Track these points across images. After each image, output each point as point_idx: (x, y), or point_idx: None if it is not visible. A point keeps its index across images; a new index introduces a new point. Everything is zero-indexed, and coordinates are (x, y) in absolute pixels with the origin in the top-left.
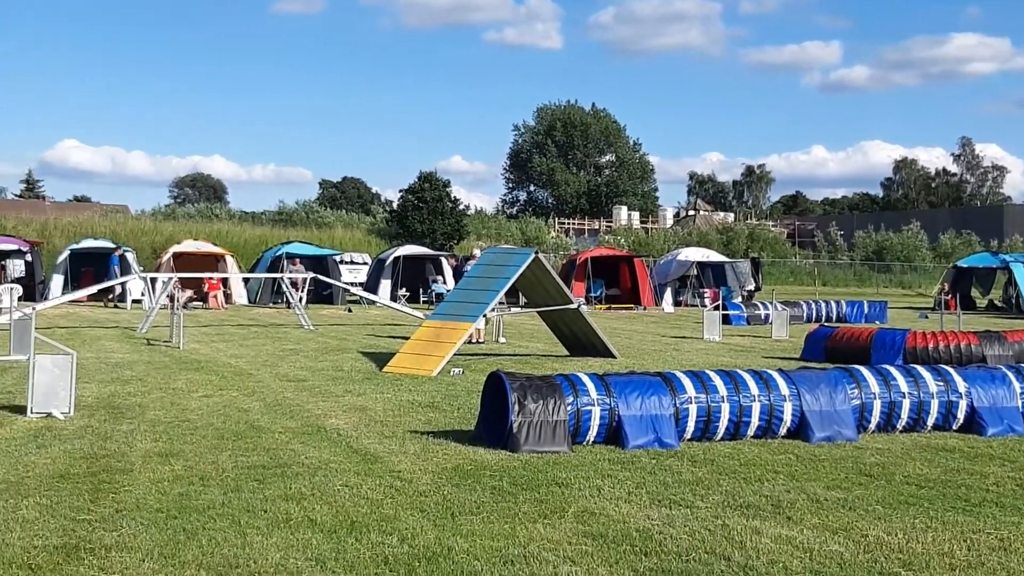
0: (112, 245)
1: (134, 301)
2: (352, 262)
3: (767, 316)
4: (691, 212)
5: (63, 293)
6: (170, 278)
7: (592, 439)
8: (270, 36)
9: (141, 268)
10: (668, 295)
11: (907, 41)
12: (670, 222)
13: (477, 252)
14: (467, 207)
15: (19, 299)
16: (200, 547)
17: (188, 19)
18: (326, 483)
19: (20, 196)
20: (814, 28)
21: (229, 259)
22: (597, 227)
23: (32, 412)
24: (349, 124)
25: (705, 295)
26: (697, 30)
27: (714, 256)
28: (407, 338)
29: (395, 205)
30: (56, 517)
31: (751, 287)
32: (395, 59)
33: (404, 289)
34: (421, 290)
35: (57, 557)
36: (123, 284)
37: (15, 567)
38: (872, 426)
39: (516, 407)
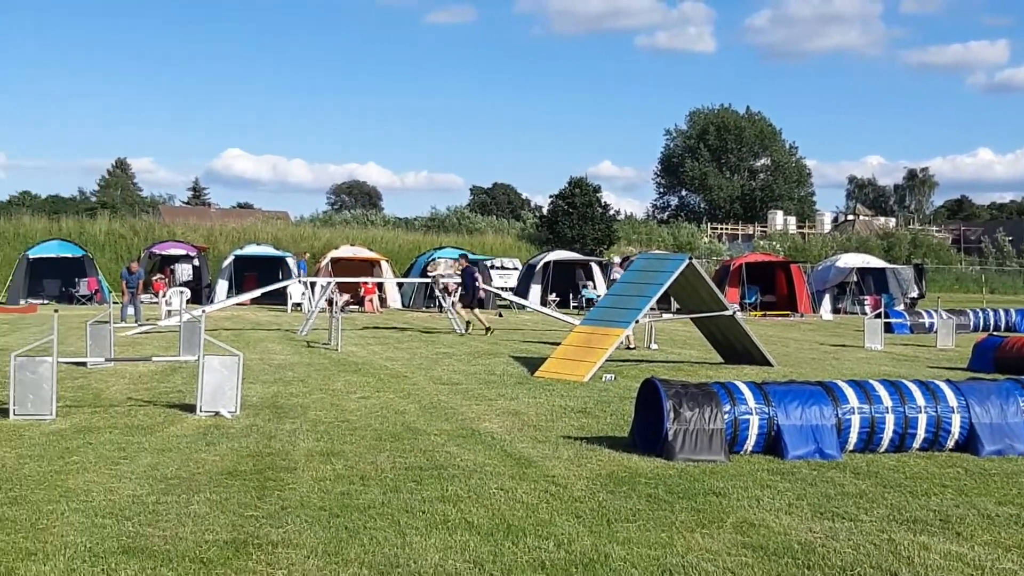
0: (274, 251)
1: (294, 304)
2: (503, 267)
3: (931, 325)
4: (850, 217)
5: (227, 297)
6: (329, 283)
7: (750, 449)
8: (423, 46)
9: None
10: (826, 302)
11: None
12: (828, 227)
13: (616, 259)
14: (617, 212)
15: (187, 302)
16: (362, 546)
17: (343, 31)
18: (482, 486)
19: (187, 203)
20: (979, 27)
21: (384, 264)
22: (751, 232)
23: (201, 411)
24: (500, 131)
25: (865, 302)
26: (856, 31)
27: (875, 262)
28: (558, 343)
29: (545, 211)
30: (225, 513)
31: (914, 294)
32: (545, 66)
33: (554, 294)
34: (571, 295)
35: (227, 552)
36: (284, 288)
37: (188, 560)
38: None
39: (671, 414)
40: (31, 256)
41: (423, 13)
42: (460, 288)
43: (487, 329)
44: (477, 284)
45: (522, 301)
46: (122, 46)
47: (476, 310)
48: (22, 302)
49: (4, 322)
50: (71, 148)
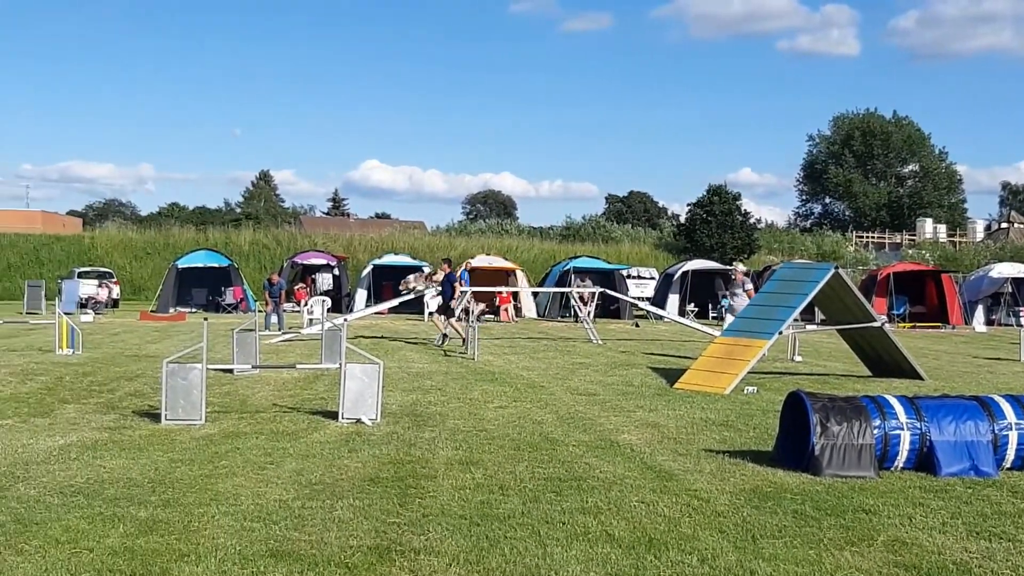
0: (412, 260)
1: (430, 314)
2: (639, 277)
3: None
4: (1004, 225)
5: (367, 305)
6: (465, 292)
7: (900, 465)
8: (559, 54)
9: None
10: (979, 313)
11: None
12: (980, 235)
13: (741, 268)
14: (757, 220)
15: (327, 310)
16: (503, 555)
17: (477, 42)
18: (622, 498)
19: (327, 214)
20: None
21: (519, 273)
22: (899, 241)
23: (343, 418)
24: (636, 138)
25: (1021, 314)
26: (1010, 31)
27: None
28: (696, 355)
29: (683, 219)
30: (368, 519)
31: None
32: (683, 71)
33: (692, 304)
34: (710, 305)
35: (371, 557)
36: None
37: (333, 565)
38: None
39: (818, 429)
40: (180, 266)
41: (560, 21)
42: (439, 295)
43: (464, 341)
44: (456, 292)
45: (659, 311)
46: (263, 62)
47: (452, 319)
48: (171, 310)
49: (155, 330)
50: (217, 161)
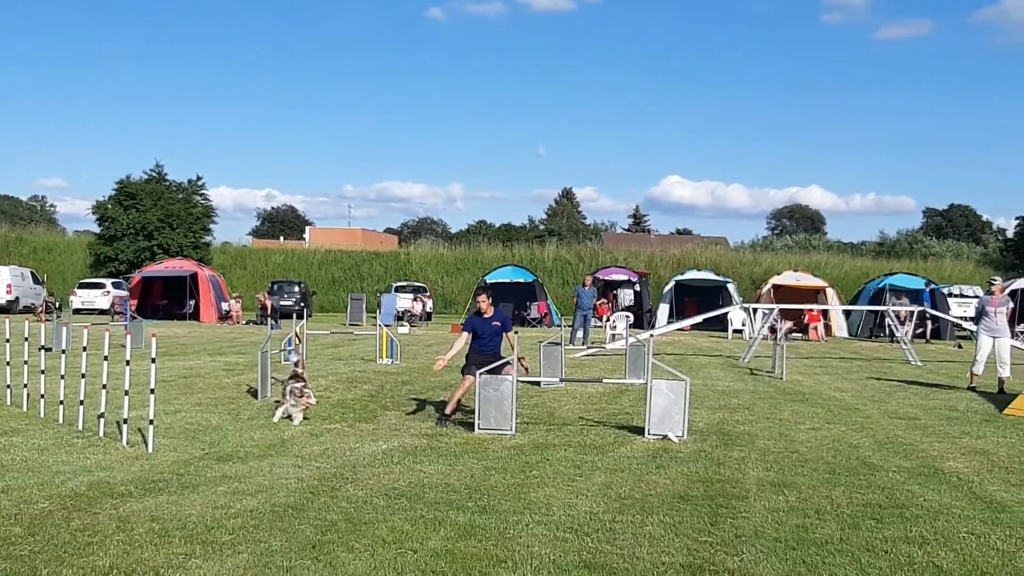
0: (715, 276)
1: (735, 331)
2: (962, 295)
3: None
4: None
5: (669, 322)
6: (771, 309)
7: None
8: (872, 63)
9: (741, 299)
10: None
11: None
12: None
13: (999, 281)
14: None
15: (629, 326)
16: None
17: (785, 54)
18: (949, 529)
19: (628, 230)
20: None
21: (829, 291)
22: None
23: (650, 434)
24: (956, 148)
25: None
26: None
27: None
28: None
29: (1011, 233)
30: (680, 536)
31: None
32: (1008, 76)
33: (1023, 325)
34: None
35: (684, 575)
36: (726, 314)
37: None
38: None
39: None
40: (488, 281)
41: (873, 29)
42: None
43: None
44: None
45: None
46: (566, 82)
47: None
48: None
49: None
50: (522, 180)
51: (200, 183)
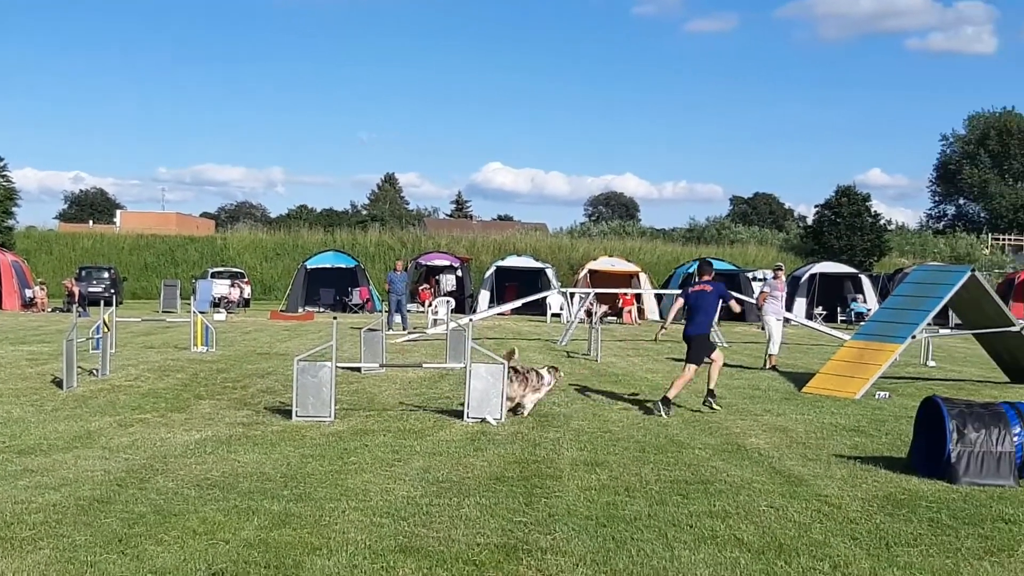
0: (534, 262)
1: (553, 315)
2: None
3: None
4: None
5: (490, 306)
6: (587, 294)
7: None
8: (683, 55)
9: (559, 284)
10: None
11: None
12: None
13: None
14: (888, 222)
15: (451, 311)
16: (630, 557)
17: (600, 44)
18: (750, 503)
19: (451, 216)
20: None
21: (642, 275)
22: None
23: (468, 417)
24: (761, 140)
25: None
26: None
27: None
28: (824, 359)
29: (810, 221)
30: (495, 517)
31: None
32: (810, 71)
33: (820, 307)
34: (839, 309)
35: (498, 555)
36: (544, 298)
37: (461, 562)
38: None
39: (955, 435)
40: (308, 266)
41: (684, 22)
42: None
43: None
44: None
45: (785, 314)
46: (388, 66)
47: None
48: (300, 310)
49: (284, 329)
50: (344, 164)
51: (1, 164)
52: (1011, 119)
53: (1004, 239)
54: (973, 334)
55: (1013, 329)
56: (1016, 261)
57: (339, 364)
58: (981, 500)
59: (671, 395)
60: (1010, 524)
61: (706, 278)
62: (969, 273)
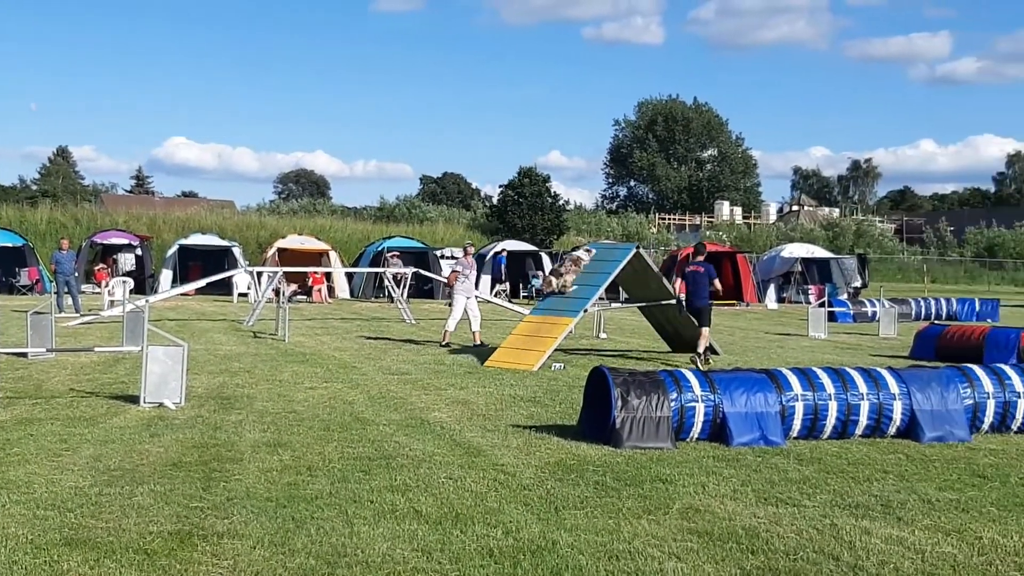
0: (220, 240)
1: (240, 295)
2: (453, 257)
3: (874, 314)
4: (795, 208)
5: (172, 286)
6: (276, 273)
7: (696, 436)
8: (372, 34)
9: (247, 263)
10: (771, 292)
11: (1020, 31)
12: (773, 218)
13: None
14: (567, 202)
15: (130, 292)
16: (309, 536)
17: (292, 19)
18: (430, 475)
19: (130, 192)
20: (921, 20)
21: (332, 254)
22: (699, 223)
23: (145, 402)
24: (450, 121)
25: (810, 292)
26: (804, 22)
27: (819, 252)
28: (508, 333)
29: (495, 200)
30: (170, 504)
31: (857, 284)
32: (493, 56)
33: (505, 284)
34: (521, 285)
35: (171, 543)
36: (230, 278)
37: (131, 552)
38: (985, 426)
39: (619, 403)
40: None
41: (370, 1)
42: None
43: None
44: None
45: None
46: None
47: None
48: None
49: None
50: (11, 136)
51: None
52: (676, 106)
53: (670, 219)
54: (639, 307)
55: (672, 302)
56: (679, 239)
57: (2, 350)
58: (642, 462)
59: (700, 349)
60: (666, 484)
61: (700, 259)
62: (634, 250)
